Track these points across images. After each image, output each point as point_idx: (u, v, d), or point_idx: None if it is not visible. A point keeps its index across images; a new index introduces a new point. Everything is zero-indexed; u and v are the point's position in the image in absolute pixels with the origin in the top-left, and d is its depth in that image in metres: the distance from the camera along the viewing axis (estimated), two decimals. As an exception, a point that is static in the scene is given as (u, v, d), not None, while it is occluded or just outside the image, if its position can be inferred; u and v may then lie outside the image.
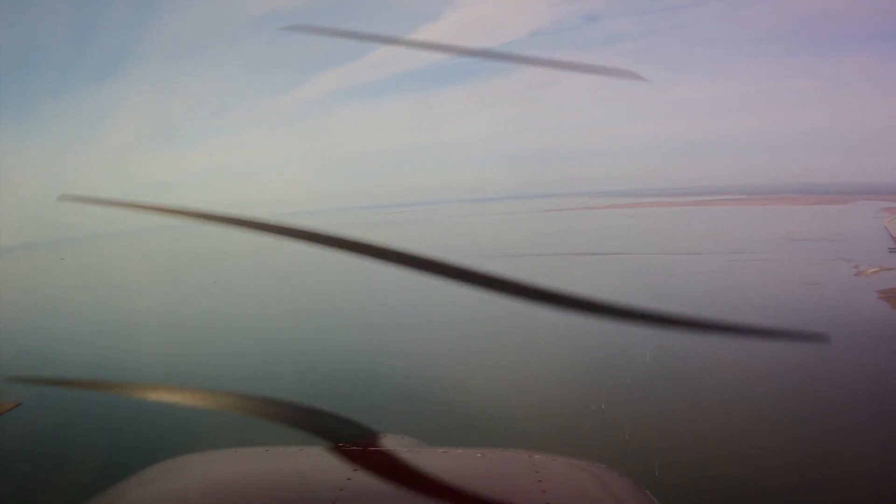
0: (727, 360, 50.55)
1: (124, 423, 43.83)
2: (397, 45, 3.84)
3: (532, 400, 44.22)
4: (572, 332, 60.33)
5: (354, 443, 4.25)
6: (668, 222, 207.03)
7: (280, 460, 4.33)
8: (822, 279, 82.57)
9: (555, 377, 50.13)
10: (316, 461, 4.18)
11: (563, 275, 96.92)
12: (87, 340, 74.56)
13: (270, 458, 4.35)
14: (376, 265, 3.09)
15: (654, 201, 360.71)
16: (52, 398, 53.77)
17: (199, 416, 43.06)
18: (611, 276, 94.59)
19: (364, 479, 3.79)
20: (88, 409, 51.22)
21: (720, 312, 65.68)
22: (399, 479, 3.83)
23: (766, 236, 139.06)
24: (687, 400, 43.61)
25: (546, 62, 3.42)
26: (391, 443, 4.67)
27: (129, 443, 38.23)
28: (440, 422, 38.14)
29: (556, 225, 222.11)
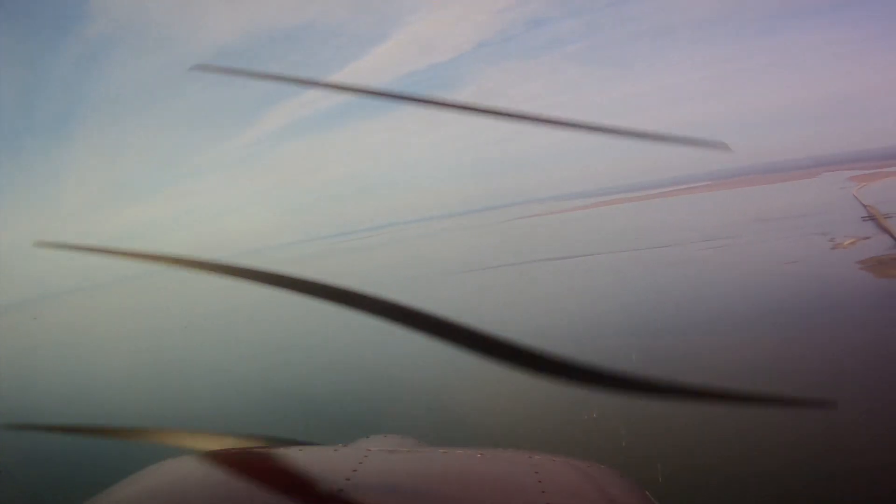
0: (712, 355, 48.81)
1: (124, 423, 43.36)
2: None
3: (529, 400, 43.58)
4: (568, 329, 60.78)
5: (352, 444, 4.52)
6: (633, 218, 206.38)
7: (280, 460, 4.34)
8: (801, 257, 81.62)
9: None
10: (315, 461, 4.25)
11: (541, 282, 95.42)
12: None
13: (270, 458, 4.40)
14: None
15: (616, 198, 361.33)
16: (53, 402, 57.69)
17: (199, 416, 46.38)
18: (589, 278, 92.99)
19: (364, 479, 3.83)
20: (89, 410, 54.03)
21: (703, 303, 65.13)
22: (399, 479, 3.97)
23: (736, 220, 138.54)
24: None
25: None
26: (391, 443, 4.97)
27: (128, 443, 39.37)
28: (440, 422, 39.45)
29: (521, 233, 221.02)
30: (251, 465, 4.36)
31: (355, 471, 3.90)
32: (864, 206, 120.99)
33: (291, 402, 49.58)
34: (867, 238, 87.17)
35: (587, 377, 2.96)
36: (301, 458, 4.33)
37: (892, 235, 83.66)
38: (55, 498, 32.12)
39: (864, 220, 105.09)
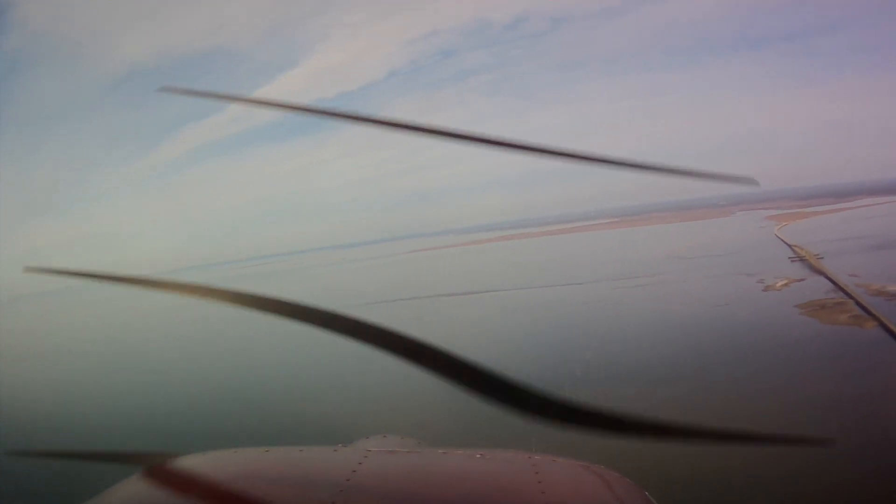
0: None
1: (124, 423, 46.16)
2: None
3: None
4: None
5: (353, 444, 4.77)
6: (539, 253, 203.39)
7: (280, 460, 4.48)
8: (732, 298, 77.54)
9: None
10: (316, 461, 4.46)
11: (434, 318, 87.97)
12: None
13: (270, 458, 4.52)
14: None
15: (523, 232, 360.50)
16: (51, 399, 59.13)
17: (198, 416, 47.88)
18: (487, 317, 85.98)
19: (364, 480, 3.97)
20: (88, 410, 55.16)
21: (628, 347, 58.98)
22: (399, 480, 4.12)
23: (652, 257, 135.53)
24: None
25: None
26: (391, 443, 5.32)
27: (129, 443, 38.62)
28: (440, 422, 40.25)
29: (422, 266, 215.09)
30: (251, 465, 4.43)
31: (355, 471, 4.01)
32: (791, 246, 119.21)
33: (290, 404, 49.63)
34: (801, 280, 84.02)
35: (576, 417, 3.15)
36: (301, 458, 4.48)
37: (828, 278, 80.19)
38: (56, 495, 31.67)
39: (792, 261, 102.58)
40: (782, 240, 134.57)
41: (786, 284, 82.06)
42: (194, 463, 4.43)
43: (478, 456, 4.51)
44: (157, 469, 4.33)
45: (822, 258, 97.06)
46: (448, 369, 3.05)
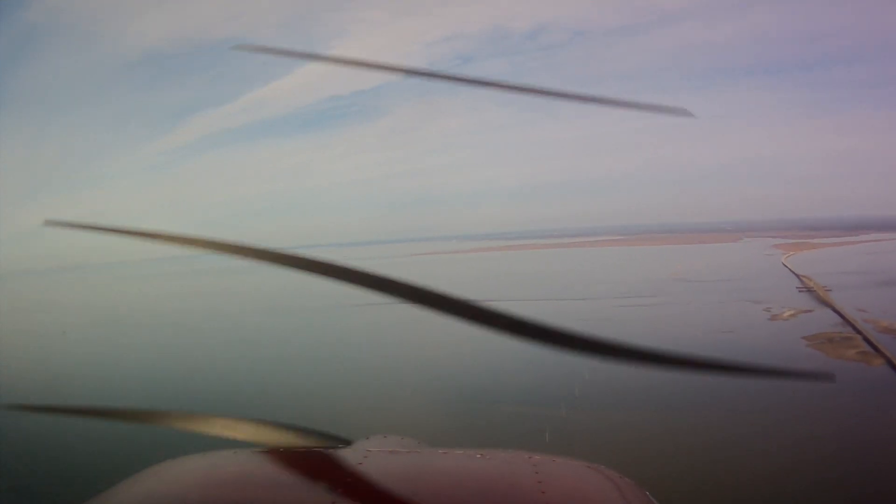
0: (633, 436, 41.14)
1: (124, 424, 41.80)
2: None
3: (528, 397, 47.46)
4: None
5: (353, 444, 4.73)
6: (542, 265, 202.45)
7: (280, 460, 4.49)
8: (736, 326, 75.95)
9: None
10: (316, 461, 4.46)
11: (429, 325, 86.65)
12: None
13: (270, 458, 4.54)
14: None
15: (525, 244, 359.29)
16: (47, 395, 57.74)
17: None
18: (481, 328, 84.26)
19: (364, 480, 3.99)
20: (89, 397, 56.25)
21: (629, 371, 57.45)
22: (399, 480, 4.08)
23: (654, 278, 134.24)
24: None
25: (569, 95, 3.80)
26: (391, 443, 5.17)
27: (128, 443, 36.22)
28: (440, 422, 40.77)
29: (422, 270, 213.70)
30: (251, 465, 4.43)
31: (355, 471, 4.04)
32: (799, 276, 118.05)
33: (289, 404, 49.15)
34: (808, 311, 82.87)
35: (596, 348, 3.20)
36: (301, 458, 4.45)
37: (836, 311, 79.00)
38: (55, 496, 32.64)
39: (799, 291, 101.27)
40: (790, 269, 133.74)
41: (793, 315, 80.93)
42: (194, 463, 4.48)
43: (478, 456, 4.49)
44: (157, 469, 4.33)
45: (830, 290, 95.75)
46: (459, 313, 3.33)
